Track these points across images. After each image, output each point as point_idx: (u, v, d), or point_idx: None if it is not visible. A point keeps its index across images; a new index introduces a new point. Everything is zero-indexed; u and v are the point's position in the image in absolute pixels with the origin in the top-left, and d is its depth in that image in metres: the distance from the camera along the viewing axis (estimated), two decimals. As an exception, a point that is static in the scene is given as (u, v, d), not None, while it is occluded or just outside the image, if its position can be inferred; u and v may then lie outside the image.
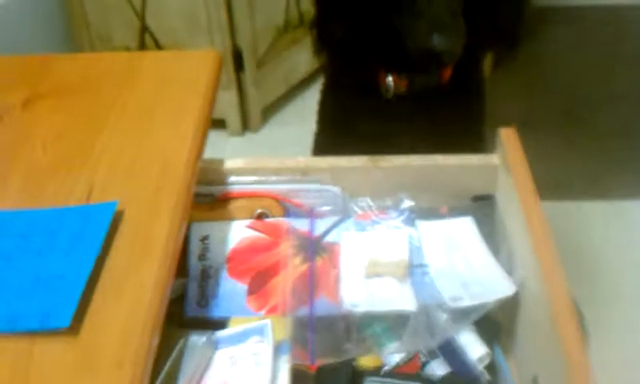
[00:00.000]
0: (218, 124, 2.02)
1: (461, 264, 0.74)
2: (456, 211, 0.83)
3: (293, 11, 2.00)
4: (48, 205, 0.59)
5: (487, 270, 0.73)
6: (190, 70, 0.75)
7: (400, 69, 1.03)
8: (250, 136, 2.04)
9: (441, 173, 0.84)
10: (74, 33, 1.99)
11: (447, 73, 1.06)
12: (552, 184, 1.82)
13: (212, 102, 0.70)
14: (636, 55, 2.33)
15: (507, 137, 0.83)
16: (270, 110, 2.08)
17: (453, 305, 0.68)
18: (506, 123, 2.01)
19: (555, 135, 1.99)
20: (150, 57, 0.78)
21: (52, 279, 0.51)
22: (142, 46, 1.92)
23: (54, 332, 0.48)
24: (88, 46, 1.98)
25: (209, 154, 1.68)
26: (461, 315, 0.68)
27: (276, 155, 1.86)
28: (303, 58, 2.07)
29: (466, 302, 0.68)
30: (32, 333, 0.49)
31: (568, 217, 1.74)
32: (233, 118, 2.01)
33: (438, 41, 0.89)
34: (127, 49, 1.94)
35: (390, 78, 1.05)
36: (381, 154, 1.00)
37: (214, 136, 2.02)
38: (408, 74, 1.04)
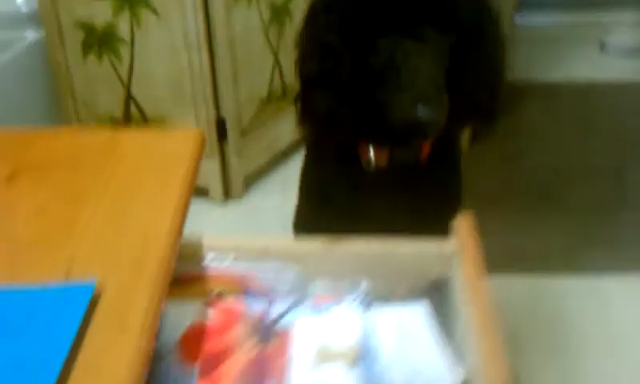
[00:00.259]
0: (201, 192, 2.05)
1: (412, 352, 0.76)
2: (413, 295, 0.84)
3: (276, 83, 2.06)
4: (28, 280, 0.61)
5: (437, 360, 0.75)
6: (172, 149, 0.77)
7: (381, 142, 1.07)
8: (232, 204, 2.06)
9: (399, 257, 0.86)
10: (59, 99, 2.03)
11: (426, 148, 1.10)
12: (526, 258, 1.85)
13: (193, 179, 0.73)
14: (610, 130, 2.40)
15: (462, 223, 0.86)
16: (252, 179, 2.11)
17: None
18: (481, 197, 2.06)
19: (530, 209, 2.03)
20: (133, 134, 0.80)
21: (28, 364, 0.52)
22: (127, 115, 1.96)
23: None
24: (73, 113, 2.01)
25: (190, 221, 1.70)
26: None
27: (257, 224, 1.88)
28: (286, 128, 2.11)
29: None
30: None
31: (542, 291, 1.76)
32: (215, 186, 2.04)
33: (423, 112, 0.92)
34: (112, 117, 1.97)
35: (371, 152, 1.08)
36: (357, 228, 1.03)
37: (196, 204, 2.03)
38: (389, 148, 1.07)
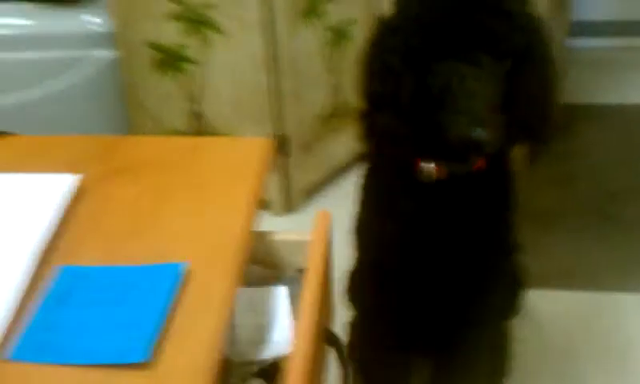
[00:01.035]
0: (262, 205, 2.13)
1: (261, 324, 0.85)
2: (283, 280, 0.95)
3: (334, 100, 2.14)
4: (125, 263, 0.70)
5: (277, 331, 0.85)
6: (244, 154, 0.86)
7: (437, 157, 1.14)
8: (291, 216, 2.14)
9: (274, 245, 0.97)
10: (130, 115, 2.15)
11: (480, 162, 1.17)
12: (579, 275, 1.88)
13: (262, 180, 0.81)
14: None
15: (320, 218, 0.98)
16: (310, 193, 2.19)
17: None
18: (537, 216, 2.10)
19: (584, 229, 2.05)
20: (210, 142, 0.89)
21: (131, 323, 0.61)
22: (194, 131, 2.06)
23: (134, 365, 0.57)
24: (141, 128, 2.13)
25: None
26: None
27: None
28: (342, 144, 2.19)
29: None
30: (113, 366, 0.58)
31: (596, 308, 1.78)
32: (276, 200, 2.13)
33: (478, 133, 0.99)
34: (177, 132, 2.08)
35: (432, 165, 1.15)
36: (411, 234, 1.14)
37: (258, 217, 2.13)
38: (445, 163, 1.14)
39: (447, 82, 1.02)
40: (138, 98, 2.11)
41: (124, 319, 0.62)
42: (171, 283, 0.65)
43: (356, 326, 1.43)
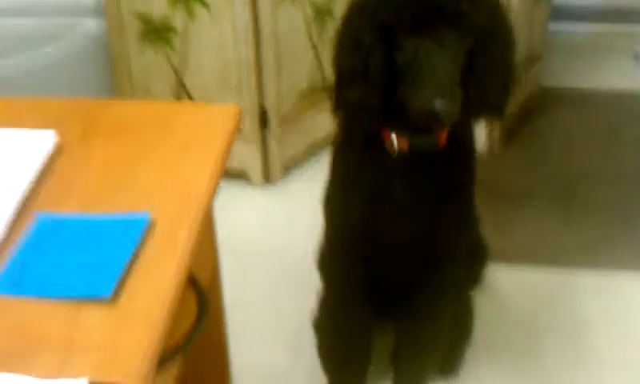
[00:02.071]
0: (242, 175, 2.20)
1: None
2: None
3: (316, 77, 2.20)
4: (97, 214, 0.76)
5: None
6: (215, 119, 0.93)
7: (403, 129, 1.21)
8: (270, 188, 2.21)
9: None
10: (117, 83, 2.21)
11: (443, 136, 1.24)
12: (547, 252, 1.96)
13: (230, 144, 0.88)
14: (637, 139, 2.47)
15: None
16: (290, 166, 2.26)
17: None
18: (510, 194, 2.17)
19: (553, 208, 2.13)
20: (185, 107, 0.96)
21: (98, 264, 0.68)
22: (178, 100, 2.12)
23: (97, 300, 0.65)
24: (129, 96, 2.19)
25: (231, 201, 1.89)
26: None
27: (292, 207, 2.03)
28: (323, 120, 2.25)
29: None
30: (80, 300, 0.65)
31: (561, 284, 1.87)
32: (255, 170, 2.19)
33: (439, 105, 1.06)
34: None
35: (393, 137, 1.22)
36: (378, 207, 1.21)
37: (238, 186, 2.20)
38: (409, 134, 1.21)
39: (412, 56, 1.08)
40: (125, 67, 2.16)
41: (92, 261, 0.69)
42: (136, 231, 0.72)
43: (323, 296, 1.51)
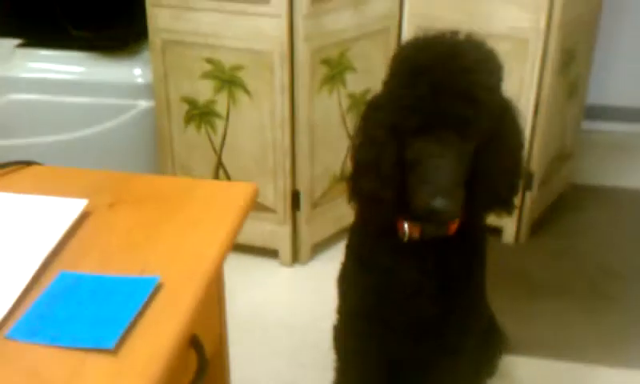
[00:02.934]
0: (272, 254, 2.29)
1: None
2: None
3: (348, 164, 2.29)
4: (114, 274, 0.85)
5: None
6: (232, 195, 1.02)
7: (415, 219, 1.28)
8: (298, 267, 2.29)
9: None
10: (161, 161, 2.34)
11: (453, 226, 1.30)
12: (567, 346, 1.97)
13: (242, 219, 0.96)
14: (665, 238, 2.48)
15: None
16: (318, 247, 2.34)
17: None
18: (534, 286, 2.21)
19: (576, 303, 2.15)
20: (206, 183, 1.05)
21: (107, 318, 0.76)
22: (216, 179, 2.24)
23: (102, 351, 0.73)
24: (171, 174, 2.32)
25: (261, 279, 2.00)
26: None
27: (318, 286, 2.10)
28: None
29: None
30: (87, 350, 0.73)
31: (579, 380, 1.87)
32: (285, 250, 2.28)
33: (438, 203, 1.13)
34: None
35: (406, 226, 1.29)
36: (391, 288, 1.27)
37: (268, 264, 2.28)
38: (421, 223, 1.28)
39: (417, 155, 1.17)
40: (169, 146, 2.30)
41: (102, 315, 0.77)
42: (145, 292, 0.80)
43: (338, 374, 1.56)
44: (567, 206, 2.62)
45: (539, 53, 2.13)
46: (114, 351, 0.73)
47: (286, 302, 2.15)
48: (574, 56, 2.33)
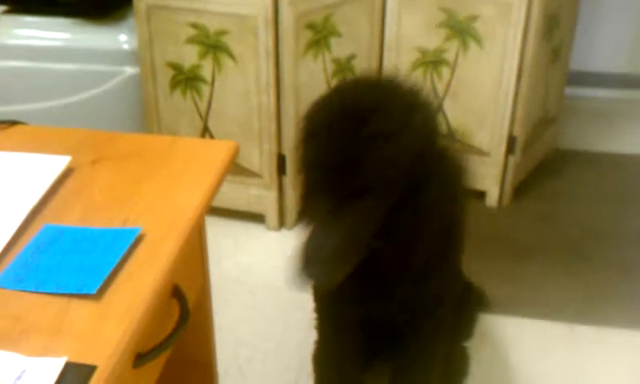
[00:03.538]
0: (259, 218, 2.31)
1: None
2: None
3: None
4: (96, 227, 0.88)
5: None
6: (213, 152, 1.04)
7: None
8: (285, 232, 2.32)
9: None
10: (147, 126, 2.35)
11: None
12: (549, 304, 2.01)
13: (223, 175, 0.99)
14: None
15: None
16: (304, 212, 2.36)
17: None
18: (516, 248, 2.24)
19: (558, 263, 2.19)
20: (186, 141, 1.07)
21: (90, 267, 0.79)
22: (202, 144, 2.26)
23: (85, 296, 0.75)
24: (157, 139, 2.33)
25: (249, 243, 2.01)
26: None
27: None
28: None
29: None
30: (70, 296, 0.76)
31: (559, 336, 1.92)
32: (272, 214, 2.30)
33: (307, 272, 1.04)
34: (189, 145, 2.27)
35: None
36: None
37: (254, 228, 2.31)
38: None
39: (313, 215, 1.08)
40: (155, 111, 2.31)
41: (84, 264, 0.80)
42: (127, 242, 0.82)
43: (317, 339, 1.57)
44: (550, 170, 2.66)
45: (522, 17, 2.15)
46: (96, 296, 0.76)
47: (272, 266, 2.18)
48: (557, 21, 2.34)
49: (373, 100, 1.05)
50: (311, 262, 1.02)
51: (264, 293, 2.06)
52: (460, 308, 1.55)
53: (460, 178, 1.20)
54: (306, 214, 1.11)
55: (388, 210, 1.07)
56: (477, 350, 1.79)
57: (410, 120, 1.05)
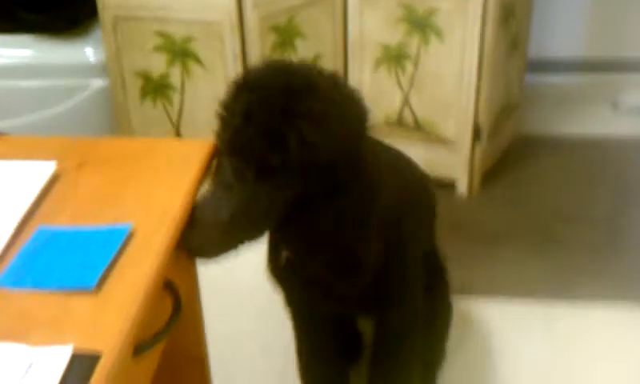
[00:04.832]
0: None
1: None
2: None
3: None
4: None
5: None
6: (192, 151, 1.08)
7: None
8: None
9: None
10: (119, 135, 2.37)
11: None
12: (522, 285, 2.08)
13: (203, 172, 1.03)
14: (613, 182, 2.61)
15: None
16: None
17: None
18: (488, 233, 2.30)
19: (529, 246, 2.26)
20: (164, 142, 1.12)
21: (86, 263, 0.82)
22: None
23: (84, 292, 0.79)
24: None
25: None
26: None
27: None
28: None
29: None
30: (70, 292, 0.80)
31: (534, 318, 1.98)
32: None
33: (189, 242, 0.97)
34: (162, 152, 2.30)
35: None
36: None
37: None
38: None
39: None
40: (126, 121, 2.33)
41: (81, 261, 0.84)
42: (119, 238, 0.86)
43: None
44: (516, 156, 2.73)
45: (479, 9, 2.21)
46: (94, 291, 0.80)
47: (255, 264, 2.21)
48: (513, 11, 2.42)
49: (302, 80, 1.00)
50: (196, 224, 0.96)
51: (248, 290, 2.08)
52: (433, 293, 1.56)
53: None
54: (214, 173, 1.05)
55: (299, 199, 1.01)
56: (455, 333, 1.84)
57: (337, 106, 1.00)
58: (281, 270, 1.33)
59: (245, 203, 0.97)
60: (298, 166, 0.96)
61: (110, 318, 0.77)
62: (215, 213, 0.97)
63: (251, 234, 1.02)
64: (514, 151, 2.75)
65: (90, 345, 0.74)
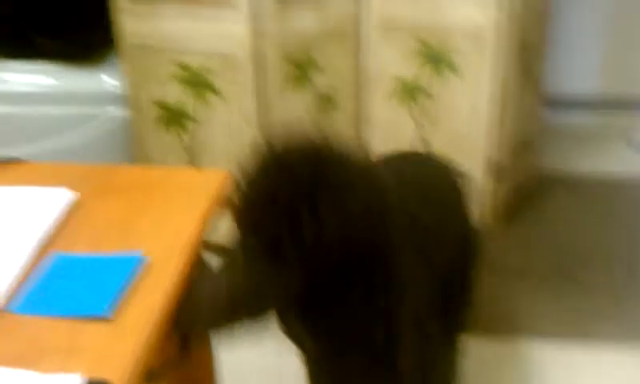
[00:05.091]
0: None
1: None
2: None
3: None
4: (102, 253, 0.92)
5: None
6: (206, 181, 1.09)
7: None
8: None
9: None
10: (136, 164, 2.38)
11: None
12: (537, 325, 2.06)
13: (216, 202, 1.04)
14: (632, 223, 2.59)
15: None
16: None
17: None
18: (506, 270, 2.28)
19: (546, 285, 2.24)
20: (181, 171, 1.13)
21: (100, 290, 0.83)
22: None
23: (98, 319, 0.80)
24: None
25: None
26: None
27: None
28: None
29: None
30: (84, 319, 0.80)
31: (548, 357, 1.96)
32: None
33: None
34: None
35: None
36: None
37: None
38: None
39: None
40: (144, 150, 2.35)
41: (96, 289, 0.85)
42: (132, 266, 0.87)
43: None
44: (533, 193, 2.71)
45: (495, 44, 2.22)
46: (106, 319, 0.81)
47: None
48: (528, 47, 2.43)
49: (331, 168, 0.95)
50: (190, 299, 0.91)
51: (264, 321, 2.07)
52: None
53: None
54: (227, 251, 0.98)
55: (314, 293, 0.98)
56: (466, 371, 1.82)
57: (364, 201, 0.96)
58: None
59: (246, 283, 0.92)
60: (309, 256, 0.92)
61: (121, 346, 0.78)
62: (213, 291, 0.92)
63: (245, 318, 0.96)
64: (529, 189, 2.73)
65: (100, 373, 0.74)
